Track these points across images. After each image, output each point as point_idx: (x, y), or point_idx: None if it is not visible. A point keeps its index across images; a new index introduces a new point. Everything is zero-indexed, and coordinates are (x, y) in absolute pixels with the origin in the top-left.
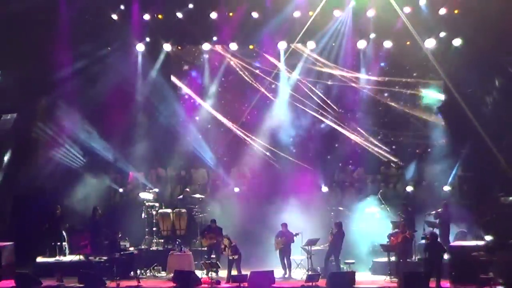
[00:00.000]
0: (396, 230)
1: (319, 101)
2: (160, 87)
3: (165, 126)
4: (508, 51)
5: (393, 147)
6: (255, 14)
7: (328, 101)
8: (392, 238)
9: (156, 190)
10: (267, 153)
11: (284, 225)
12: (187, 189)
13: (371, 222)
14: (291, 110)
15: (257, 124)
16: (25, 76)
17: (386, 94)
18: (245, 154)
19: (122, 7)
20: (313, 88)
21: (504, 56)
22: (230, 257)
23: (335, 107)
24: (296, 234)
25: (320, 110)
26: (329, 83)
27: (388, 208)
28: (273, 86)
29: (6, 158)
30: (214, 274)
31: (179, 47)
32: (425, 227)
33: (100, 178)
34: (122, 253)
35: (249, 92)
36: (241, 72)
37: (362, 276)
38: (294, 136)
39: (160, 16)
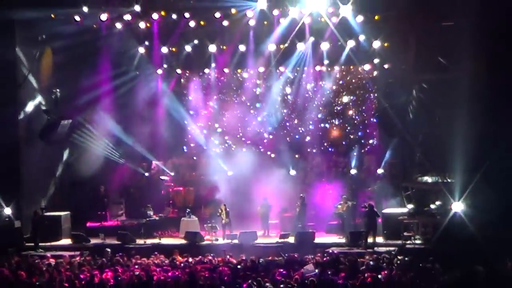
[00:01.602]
0: (344, 202)
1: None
2: (174, 99)
3: (178, 127)
4: (421, 71)
5: (343, 142)
6: (242, 47)
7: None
8: (339, 207)
9: (172, 173)
10: (253, 146)
11: (265, 198)
12: (194, 173)
13: (326, 196)
14: (268, 115)
15: (244, 126)
16: (77, 92)
17: (338, 107)
18: (235, 147)
19: (146, 42)
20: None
21: (419, 75)
22: (223, 221)
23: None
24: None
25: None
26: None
27: (338, 186)
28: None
29: (65, 153)
30: (213, 234)
31: (187, 71)
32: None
33: (131, 166)
34: (147, 219)
35: (237, 102)
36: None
37: (320, 234)
38: (269, 134)
39: (173, 49)
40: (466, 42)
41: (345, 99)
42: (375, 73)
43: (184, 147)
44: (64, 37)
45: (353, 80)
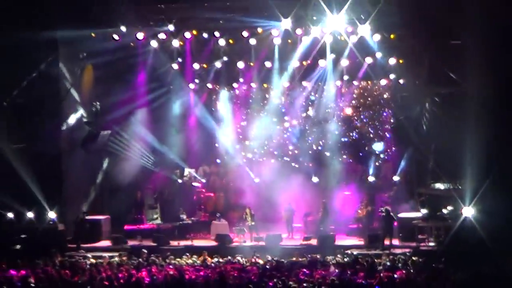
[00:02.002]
0: (363, 207)
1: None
2: (205, 112)
3: (209, 138)
4: (434, 86)
5: (360, 154)
6: (268, 64)
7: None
8: (359, 211)
9: (203, 180)
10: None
11: (289, 203)
12: (223, 180)
13: (346, 201)
14: (292, 128)
15: (270, 137)
16: (116, 104)
17: (356, 122)
18: (262, 158)
19: (179, 59)
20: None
21: (431, 89)
22: (249, 224)
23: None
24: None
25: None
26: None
27: (357, 192)
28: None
29: (105, 162)
30: (241, 236)
31: (217, 86)
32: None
33: (165, 173)
34: (181, 222)
35: (263, 115)
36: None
37: (340, 237)
38: (293, 146)
39: (205, 65)
40: (474, 59)
41: (359, 123)
42: (390, 87)
43: (218, 160)
44: (104, 54)
45: (369, 99)
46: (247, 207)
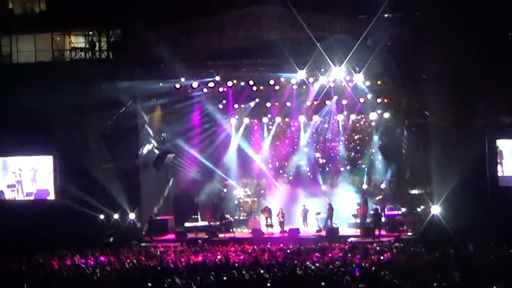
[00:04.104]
0: (359, 207)
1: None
2: (242, 139)
3: (246, 158)
4: (410, 117)
5: (357, 166)
6: (288, 103)
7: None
8: (358, 210)
9: (242, 189)
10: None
11: (304, 205)
12: (257, 189)
13: (347, 203)
14: (307, 151)
15: (291, 156)
16: (178, 134)
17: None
18: (284, 171)
19: (224, 101)
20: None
21: (408, 120)
22: (279, 220)
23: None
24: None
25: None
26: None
27: (354, 196)
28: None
29: (170, 177)
30: (270, 230)
31: (251, 120)
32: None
33: (213, 184)
34: (226, 220)
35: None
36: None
37: (342, 229)
38: (308, 163)
39: (242, 105)
40: (436, 98)
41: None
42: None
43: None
44: (168, 97)
45: (362, 129)
46: (279, 208)
